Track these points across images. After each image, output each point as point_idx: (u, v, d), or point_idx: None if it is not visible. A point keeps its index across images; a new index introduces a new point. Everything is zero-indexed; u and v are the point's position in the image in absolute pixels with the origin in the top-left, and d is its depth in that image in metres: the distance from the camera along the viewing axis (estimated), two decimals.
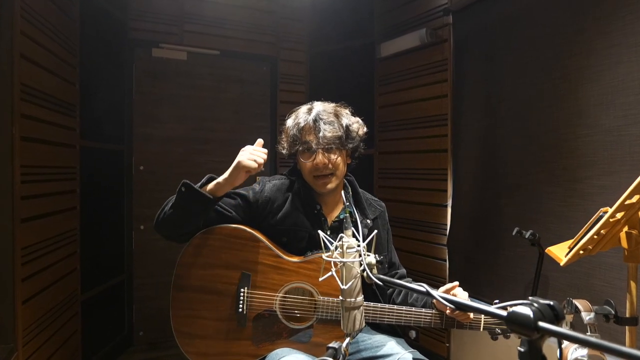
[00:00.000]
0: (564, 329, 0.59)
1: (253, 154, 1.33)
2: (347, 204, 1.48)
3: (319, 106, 1.44)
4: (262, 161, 1.33)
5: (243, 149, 1.35)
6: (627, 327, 1.20)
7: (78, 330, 2.31)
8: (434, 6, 2.66)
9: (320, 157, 1.38)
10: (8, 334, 1.67)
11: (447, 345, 2.59)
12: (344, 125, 1.41)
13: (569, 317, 1.25)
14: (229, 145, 3.22)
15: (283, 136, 1.49)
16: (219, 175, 1.35)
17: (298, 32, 3.38)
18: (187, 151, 3.11)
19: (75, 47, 2.27)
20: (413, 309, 1.31)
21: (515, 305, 0.63)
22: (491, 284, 2.30)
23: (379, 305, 1.31)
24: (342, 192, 1.10)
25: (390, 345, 1.34)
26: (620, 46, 1.70)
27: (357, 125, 1.46)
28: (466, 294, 1.28)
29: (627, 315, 1.19)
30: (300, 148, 1.41)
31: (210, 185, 1.33)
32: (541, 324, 0.59)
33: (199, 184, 1.33)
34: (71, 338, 2.23)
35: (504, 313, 0.64)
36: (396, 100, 2.94)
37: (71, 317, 2.23)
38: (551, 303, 0.62)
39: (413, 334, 2.80)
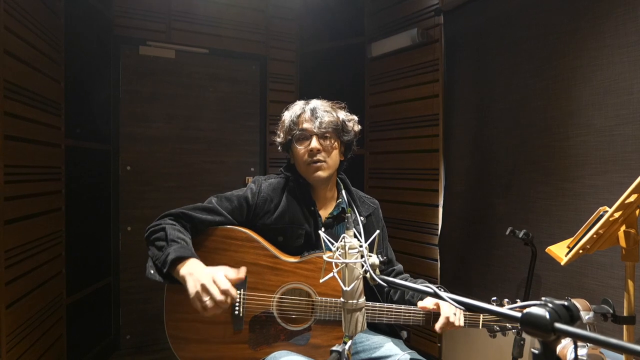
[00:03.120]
0: (580, 330, 0.58)
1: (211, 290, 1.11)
2: (340, 200, 1.47)
3: (316, 101, 1.47)
4: (219, 298, 1.10)
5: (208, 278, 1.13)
6: (624, 325, 1.21)
7: (63, 334, 2.25)
8: (425, 6, 2.66)
9: (315, 142, 1.39)
10: None
11: (439, 345, 2.59)
12: (341, 118, 1.44)
13: None
14: (218, 145, 3.18)
15: (279, 126, 1.50)
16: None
17: (288, 31, 3.35)
18: (175, 151, 3.05)
19: (60, 43, 2.21)
20: (412, 307, 1.30)
21: (530, 306, 0.61)
22: (483, 284, 2.31)
23: (377, 304, 1.30)
24: (342, 190, 1.08)
25: (388, 346, 1.33)
26: (612, 47, 1.72)
27: (352, 122, 1.48)
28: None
29: (625, 314, 1.20)
30: (297, 133, 1.41)
31: (179, 271, 1.17)
32: (557, 325, 0.58)
33: (167, 265, 1.17)
34: (56, 342, 2.17)
35: (518, 314, 0.62)
36: (387, 100, 2.93)
37: (56, 321, 2.17)
38: (566, 303, 0.61)
39: (404, 334, 2.78)
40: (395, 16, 2.86)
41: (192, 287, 1.12)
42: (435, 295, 0.76)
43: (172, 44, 2.99)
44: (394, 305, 1.29)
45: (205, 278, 1.12)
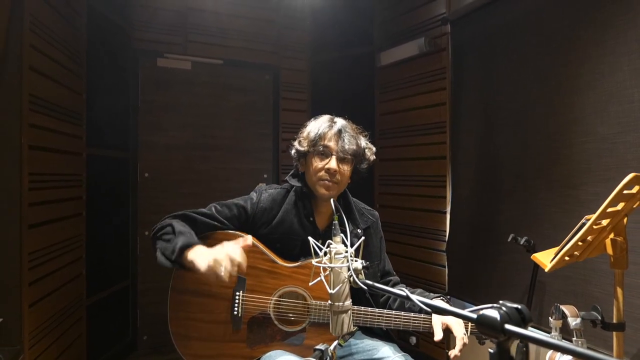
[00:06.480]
0: (529, 332, 0.62)
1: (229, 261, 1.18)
2: (338, 212, 1.51)
3: (342, 121, 1.52)
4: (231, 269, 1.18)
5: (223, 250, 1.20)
6: (614, 332, 1.22)
7: (83, 333, 2.36)
8: (432, 15, 2.70)
9: (334, 163, 1.44)
10: (15, 336, 1.72)
11: (447, 351, 2.60)
12: (362, 146, 1.51)
13: (558, 323, 1.28)
14: (232, 152, 3.28)
15: (303, 133, 1.53)
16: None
17: (299, 41, 3.44)
18: (191, 158, 3.16)
19: (82, 57, 2.34)
20: (402, 313, 1.34)
21: (486, 308, 0.66)
22: (490, 290, 2.32)
23: (370, 309, 1.35)
24: (332, 200, 1.13)
25: (381, 348, 1.37)
26: (615, 55, 1.72)
27: (370, 152, 1.55)
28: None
29: (614, 321, 1.21)
30: (320, 149, 1.46)
31: (188, 256, 1.25)
32: (507, 326, 0.62)
33: (175, 253, 1.26)
34: (76, 341, 2.27)
35: (474, 316, 0.67)
36: (396, 108, 2.97)
37: (76, 320, 2.27)
38: (519, 307, 0.65)
39: (413, 339, 2.81)
40: (403, 26, 2.91)
41: (204, 262, 1.18)
42: (407, 297, 0.81)
43: (188, 55, 3.11)
44: (385, 311, 1.34)
45: (217, 252, 1.19)
